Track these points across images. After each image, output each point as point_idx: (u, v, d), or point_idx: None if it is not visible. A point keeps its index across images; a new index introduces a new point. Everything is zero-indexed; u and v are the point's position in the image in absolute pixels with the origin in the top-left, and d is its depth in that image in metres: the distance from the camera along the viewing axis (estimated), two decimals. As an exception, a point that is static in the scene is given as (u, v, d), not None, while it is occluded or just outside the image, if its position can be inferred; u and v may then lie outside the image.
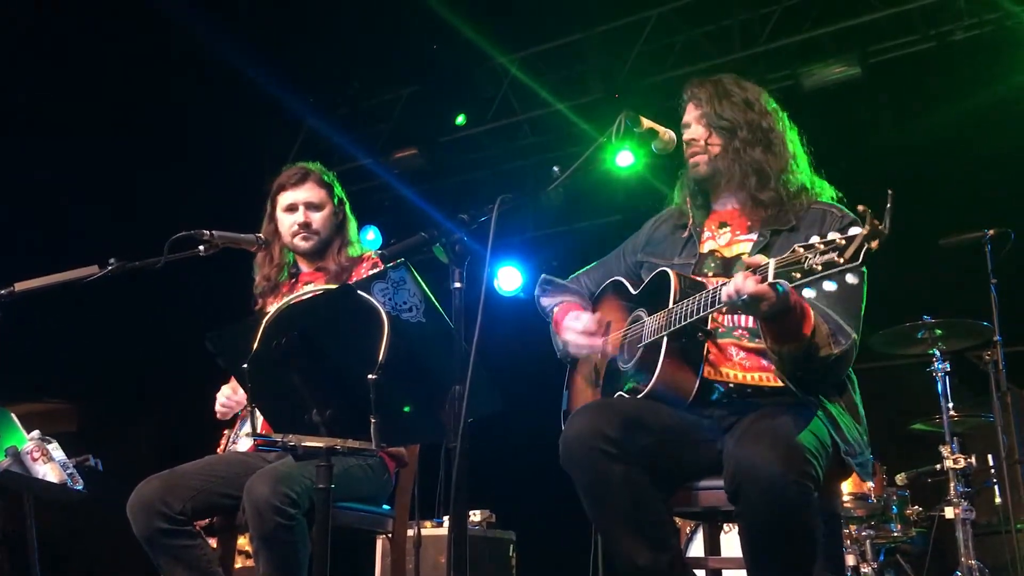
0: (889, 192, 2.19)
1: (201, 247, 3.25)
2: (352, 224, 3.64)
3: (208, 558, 3.15)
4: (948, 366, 4.93)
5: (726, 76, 3.02)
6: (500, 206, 2.48)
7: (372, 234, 7.88)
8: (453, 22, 6.80)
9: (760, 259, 2.37)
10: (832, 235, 2.22)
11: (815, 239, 2.25)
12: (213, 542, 3.30)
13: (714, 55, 6.77)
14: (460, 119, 7.71)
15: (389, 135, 7.99)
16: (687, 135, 2.94)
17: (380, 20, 6.89)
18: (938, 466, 4.92)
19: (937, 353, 4.94)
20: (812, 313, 2.50)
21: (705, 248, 2.95)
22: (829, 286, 2.22)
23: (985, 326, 4.97)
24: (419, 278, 2.31)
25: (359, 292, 2.30)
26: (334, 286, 2.94)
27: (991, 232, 5.10)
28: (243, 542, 3.69)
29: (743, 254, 2.83)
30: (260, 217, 3.65)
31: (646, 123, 2.79)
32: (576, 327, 2.94)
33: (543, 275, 3.25)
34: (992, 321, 4.99)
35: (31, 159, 6.67)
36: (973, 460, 4.85)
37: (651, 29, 6.94)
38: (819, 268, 2.20)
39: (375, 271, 2.46)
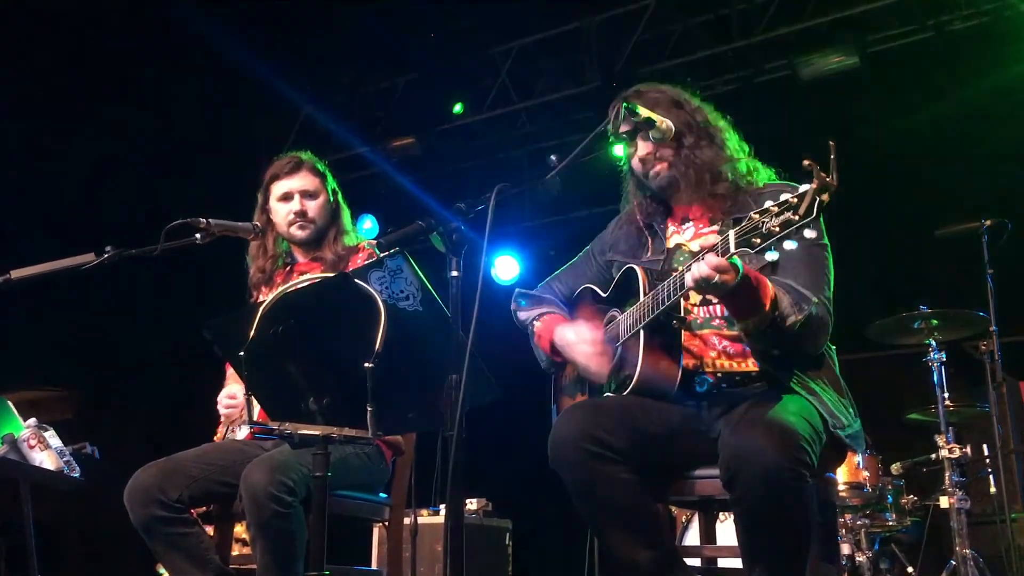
0: (830, 143, 2.23)
1: (197, 235, 3.24)
2: (346, 213, 3.64)
3: (205, 546, 3.15)
4: (944, 356, 4.94)
5: (641, 85, 2.98)
6: (497, 195, 2.49)
7: (369, 223, 7.87)
8: (450, 10, 6.77)
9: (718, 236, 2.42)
10: (784, 196, 2.27)
11: (769, 203, 2.29)
12: (210, 530, 3.30)
13: (711, 44, 6.77)
14: (457, 108, 7.68)
15: (386, 123, 7.96)
16: (638, 154, 2.90)
17: (377, 8, 6.87)
18: (933, 456, 4.94)
19: (933, 343, 4.95)
20: (770, 285, 2.54)
21: (671, 243, 2.96)
22: (789, 245, 2.26)
23: (981, 316, 4.99)
24: (416, 267, 2.31)
25: (356, 280, 2.30)
26: (331, 274, 2.93)
27: (988, 222, 5.11)
28: (240, 530, 3.69)
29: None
30: (256, 205, 3.64)
31: (643, 112, 2.80)
32: (587, 351, 2.87)
33: (517, 289, 3.25)
34: (988, 311, 5.00)
35: (25, 148, 6.66)
36: (968, 450, 4.87)
37: (649, 18, 6.93)
38: (777, 229, 2.25)
39: (372, 260, 2.46)
